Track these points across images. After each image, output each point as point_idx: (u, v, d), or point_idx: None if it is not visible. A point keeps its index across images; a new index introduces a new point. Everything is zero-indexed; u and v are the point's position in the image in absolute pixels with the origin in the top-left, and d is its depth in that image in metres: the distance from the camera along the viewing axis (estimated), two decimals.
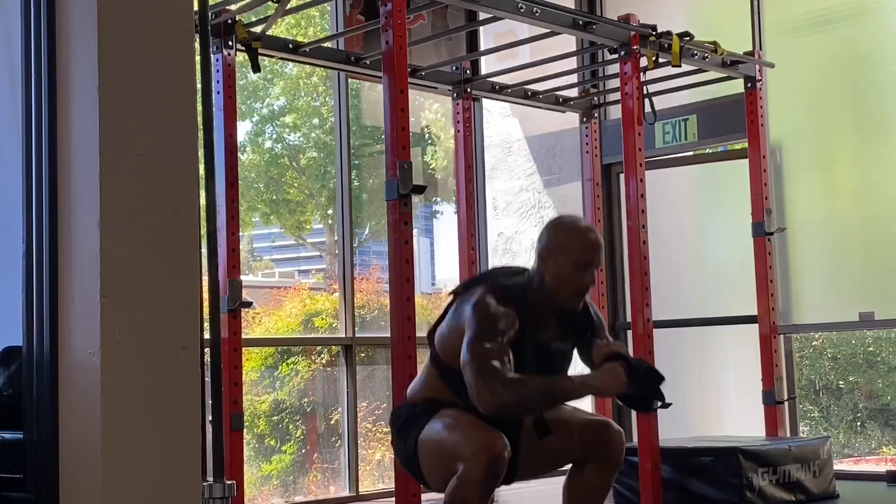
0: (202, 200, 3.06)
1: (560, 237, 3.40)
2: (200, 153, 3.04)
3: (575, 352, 3.57)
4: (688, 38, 5.35)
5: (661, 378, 3.34)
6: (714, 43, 5.57)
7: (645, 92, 5.28)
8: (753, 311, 5.88)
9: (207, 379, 3.39)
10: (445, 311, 3.52)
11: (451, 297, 3.56)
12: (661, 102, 5.68)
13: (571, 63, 6.40)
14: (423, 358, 3.80)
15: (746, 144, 5.99)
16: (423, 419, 3.37)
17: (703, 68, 5.76)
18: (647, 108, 5.29)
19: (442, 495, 3.26)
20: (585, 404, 6.64)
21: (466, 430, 3.23)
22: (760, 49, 6.18)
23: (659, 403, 3.32)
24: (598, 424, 3.50)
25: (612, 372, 3.26)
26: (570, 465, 3.52)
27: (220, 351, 3.75)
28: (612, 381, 3.26)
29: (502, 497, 5.59)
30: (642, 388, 3.30)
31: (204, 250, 3.15)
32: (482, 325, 3.26)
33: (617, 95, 5.86)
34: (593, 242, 3.39)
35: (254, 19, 5.15)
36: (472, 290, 3.38)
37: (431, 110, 7.43)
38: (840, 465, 5.90)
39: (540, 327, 3.40)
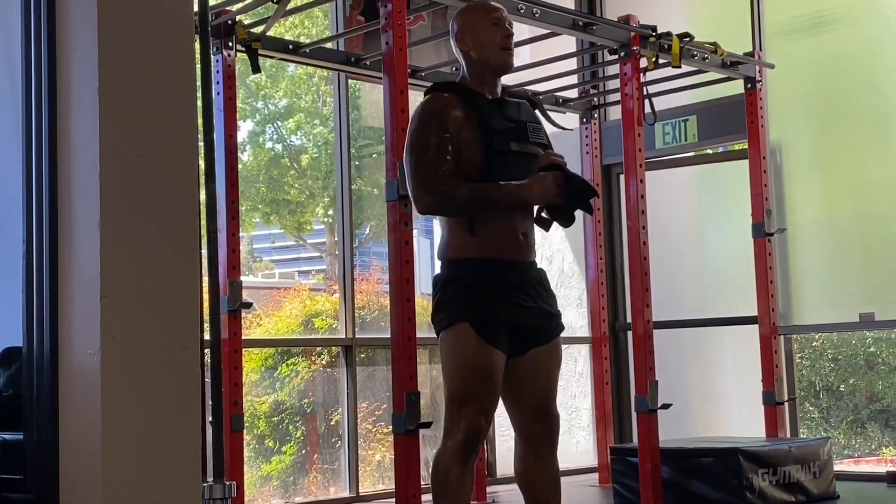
0: (202, 201, 3.06)
1: (463, 16, 3.54)
2: (200, 153, 3.04)
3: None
4: (688, 39, 5.35)
5: (593, 192, 3.38)
6: (714, 44, 5.57)
7: (645, 93, 5.28)
8: (754, 312, 5.88)
9: (207, 380, 3.39)
10: None
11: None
12: (661, 103, 5.68)
13: (571, 64, 6.40)
14: (423, 358, 3.80)
15: (746, 145, 5.99)
16: (446, 310, 3.36)
17: (702, 69, 5.77)
18: (647, 109, 5.29)
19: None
20: (586, 404, 6.66)
21: (461, 390, 3.28)
22: (760, 50, 6.18)
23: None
24: (541, 416, 3.44)
25: (544, 182, 3.28)
26: (519, 453, 3.48)
27: (221, 352, 3.75)
28: (544, 193, 3.28)
29: (502, 497, 5.60)
30: (573, 201, 3.30)
31: (204, 251, 3.15)
32: (420, 122, 3.37)
33: (617, 96, 5.87)
34: (490, 3, 3.55)
35: (254, 20, 5.15)
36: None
37: None
38: (840, 466, 5.90)
39: (492, 112, 3.41)
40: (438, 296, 3.42)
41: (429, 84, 5.91)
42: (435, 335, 3.41)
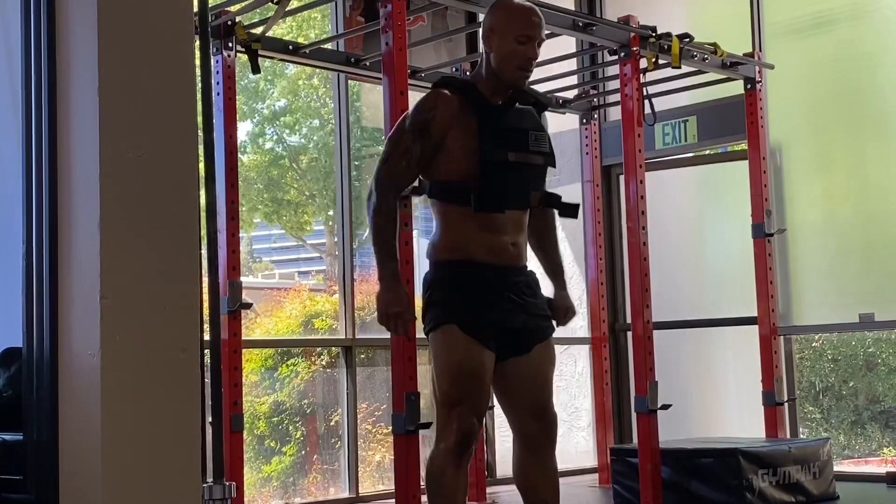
0: (202, 201, 3.06)
1: (498, 15, 3.44)
2: (200, 154, 3.04)
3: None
4: (688, 40, 5.35)
5: None
6: (714, 44, 5.57)
7: (645, 93, 5.28)
8: (753, 313, 5.88)
9: (207, 380, 3.39)
10: None
11: None
12: (660, 104, 5.68)
13: (571, 64, 6.40)
14: (423, 359, 3.80)
15: (746, 146, 5.99)
16: (434, 311, 3.38)
17: (702, 70, 5.77)
18: (647, 110, 5.29)
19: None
20: (586, 405, 6.66)
21: (451, 391, 3.28)
22: (760, 50, 6.18)
23: None
24: (539, 413, 3.44)
25: (387, 298, 3.29)
26: (516, 452, 3.48)
27: (220, 352, 3.75)
28: (383, 304, 3.30)
29: (502, 498, 5.60)
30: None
31: (204, 251, 3.15)
32: (408, 118, 3.41)
33: (617, 97, 5.86)
34: (531, 13, 3.43)
35: (254, 20, 5.15)
36: None
37: None
38: (840, 467, 5.90)
39: (492, 120, 3.38)
40: (427, 297, 3.42)
41: (428, 85, 5.95)
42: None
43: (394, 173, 3.37)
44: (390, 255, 3.32)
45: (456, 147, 3.32)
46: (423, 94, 3.44)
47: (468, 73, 5.99)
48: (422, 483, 4.07)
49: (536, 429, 3.38)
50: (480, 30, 3.51)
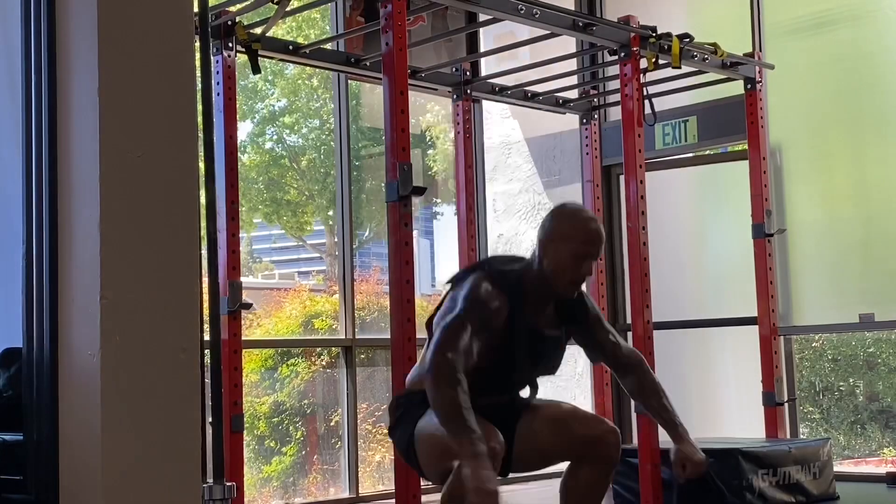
0: (202, 201, 3.06)
1: (562, 225, 3.42)
2: (200, 154, 3.04)
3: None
4: (688, 40, 5.35)
5: None
6: (714, 44, 5.57)
7: (645, 93, 5.28)
8: (753, 313, 5.88)
9: (207, 380, 3.39)
10: (443, 300, 3.54)
11: (448, 286, 3.58)
12: (660, 104, 5.68)
13: (571, 64, 6.40)
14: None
15: (746, 146, 5.99)
16: (421, 410, 3.36)
17: (702, 70, 5.76)
18: (647, 110, 5.29)
19: (440, 493, 3.26)
20: (586, 405, 6.65)
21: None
22: (760, 51, 6.18)
23: None
24: (593, 422, 3.51)
25: (478, 476, 2.98)
26: (566, 464, 3.52)
27: (220, 352, 3.75)
28: (474, 480, 2.95)
29: (503, 498, 5.58)
30: None
31: (204, 251, 3.15)
32: (466, 307, 3.27)
33: (617, 97, 5.86)
34: (595, 234, 3.43)
35: (254, 21, 5.15)
36: (469, 276, 3.42)
37: (436, 106, 7.43)
38: (840, 467, 5.90)
39: (534, 313, 3.42)
40: (400, 413, 3.41)
41: (428, 86, 5.97)
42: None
43: (458, 366, 3.14)
44: (467, 430, 3.03)
45: (481, 341, 3.27)
46: (485, 282, 3.34)
47: (467, 73, 6.00)
48: (422, 483, 4.07)
49: (599, 451, 3.43)
50: (539, 229, 3.47)
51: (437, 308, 3.56)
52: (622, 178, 5.80)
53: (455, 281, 3.53)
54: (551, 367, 3.58)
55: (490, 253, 6.97)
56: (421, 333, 4.21)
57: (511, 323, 3.33)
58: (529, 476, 4.23)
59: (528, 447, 3.45)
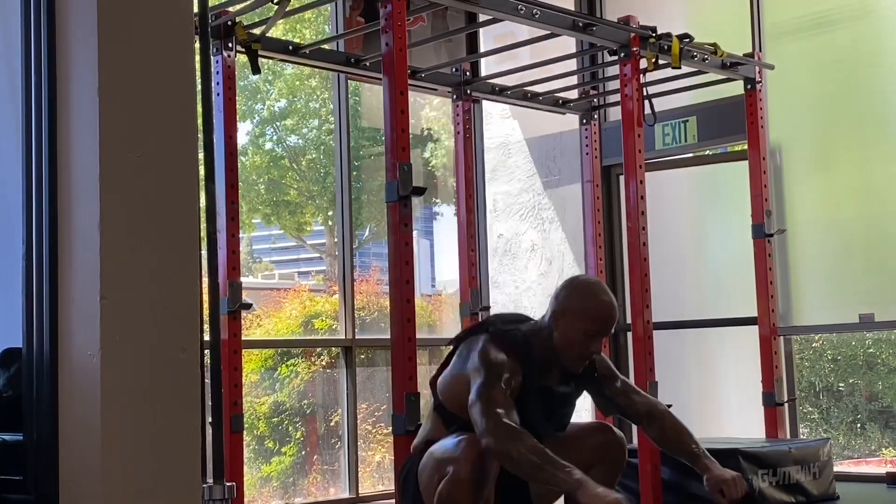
0: (202, 202, 3.06)
1: (577, 301, 3.42)
2: (200, 155, 3.04)
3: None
4: (688, 40, 5.35)
5: None
6: (714, 45, 5.57)
7: (645, 93, 5.28)
8: (753, 313, 5.88)
9: (207, 380, 3.39)
10: (447, 359, 3.54)
11: (451, 346, 3.58)
12: (660, 104, 5.68)
13: (571, 65, 6.40)
14: (423, 359, 3.80)
15: (746, 146, 5.99)
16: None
17: (702, 70, 5.77)
18: (647, 110, 5.29)
19: None
20: (587, 410, 6.64)
21: (459, 441, 3.26)
22: (760, 51, 6.18)
23: None
24: (599, 429, 3.52)
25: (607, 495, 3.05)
26: None
27: (220, 353, 3.74)
28: (604, 498, 3.03)
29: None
30: None
31: (204, 252, 3.15)
32: (489, 371, 3.27)
33: (617, 97, 5.86)
34: (607, 314, 3.41)
35: (255, 21, 5.15)
36: (476, 338, 3.41)
37: (433, 106, 7.43)
38: (840, 467, 5.90)
39: (542, 373, 3.45)
40: (406, 470, 3.49)
41: (428, 86, 5.97)
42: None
43: (512, 418, 3.19)
44: (563, 469, 3.08)
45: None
46: (488, 347, 3.37)
47: (467, 73, 6.00)
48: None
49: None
50: (553, 299, 3.48)
51: (441, 368, 3.57)
52: (622, 178, 5.80)
53: (458, 341, 3.53)
54: (563, 423, 3.59)
55: (490, 252, 6.98)
56: (421, 334, 4.22)
57: (525, 383, 3.35)
58: None
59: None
